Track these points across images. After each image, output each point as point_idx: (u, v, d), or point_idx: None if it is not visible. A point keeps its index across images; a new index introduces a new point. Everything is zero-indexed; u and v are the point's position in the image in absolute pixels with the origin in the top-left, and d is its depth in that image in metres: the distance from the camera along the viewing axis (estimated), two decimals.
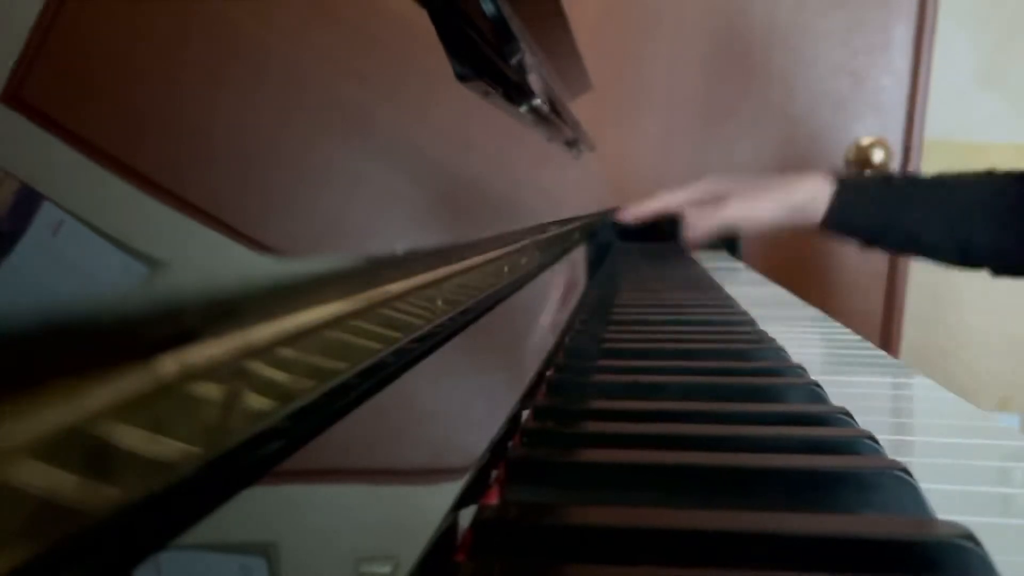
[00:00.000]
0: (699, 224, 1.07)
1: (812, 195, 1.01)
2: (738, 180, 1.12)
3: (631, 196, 1.64)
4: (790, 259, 1.62)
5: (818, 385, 0.43)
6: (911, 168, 1.63)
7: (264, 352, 0.14)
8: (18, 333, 0.09)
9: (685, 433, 0.34)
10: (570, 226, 0.71)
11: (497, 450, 0.30)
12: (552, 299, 0.58)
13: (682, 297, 0.81)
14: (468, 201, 0.35)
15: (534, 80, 0.62)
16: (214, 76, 0.16)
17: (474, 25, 0.50)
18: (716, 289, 0.88)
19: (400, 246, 0.23)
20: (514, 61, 0.55)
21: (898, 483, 0.28)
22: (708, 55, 1.68)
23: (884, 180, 1.03)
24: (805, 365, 0.47)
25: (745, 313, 0.69)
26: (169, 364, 0.11)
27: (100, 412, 0.10)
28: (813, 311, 0.82)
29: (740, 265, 1.25)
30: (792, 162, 1.66)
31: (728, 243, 1.46)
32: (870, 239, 1.00)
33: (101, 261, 0.11)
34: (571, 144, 0.93)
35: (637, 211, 1.21)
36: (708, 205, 1.09)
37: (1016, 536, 0.28)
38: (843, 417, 0.36)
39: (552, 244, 0.58)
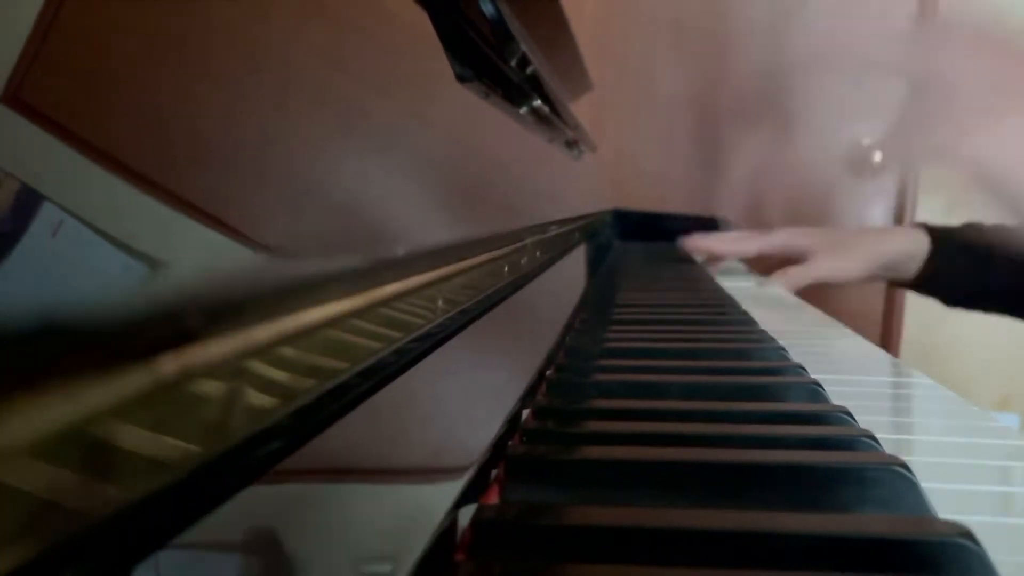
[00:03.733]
0: (784, 284, 0.95)
1: (907, 253, 0.91)
2: (819, 234, 1.00)
3: (632, 196, 1.64)
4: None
5: (818, 384, 0.43)
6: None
7: (264, 352, 0.14)
8: (18, 333, 0.09)
9: (685, 432, 0.34)
10: (570, 226, 0.71)
11: (497, 449, 0.30)
12: (552, 299, 0.58)
13: (682, 297, 0.81)
14: (468, 201, 0.35)
15: (534, 81, 0.62)
16: (214, 76, 0.16)
17: (474, 26, 0.50)
18: (716, 289, 0.88)
19: (400, 246, 0.23)
20: (514, 62, 0.55)
21: (898, 479, 0.28)
22: (708, 55, 1.68)
23: (974, 228, 0.91)
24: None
25: (745, 313, 0.69)
26: (169, 364, 0.11)
27: (100, 412, 0.10)
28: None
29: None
30: (792, 162, 1.66)
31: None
32: (963, 303, 0.91)
33: (101, 261, 0.11)
34: (571, 145, 0.93)
35: (700, 244, 1.10)
36: (789, 261, 0.98)
37: (1016, 536, 0.28)
38: (843, 416, 0.36)
39: (552, 244, 0.59)
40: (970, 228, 0.92)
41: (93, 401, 0.09)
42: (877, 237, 0.97)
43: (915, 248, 0.91)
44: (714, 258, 1.12)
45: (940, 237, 0.91)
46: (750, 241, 1.04)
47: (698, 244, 1.10)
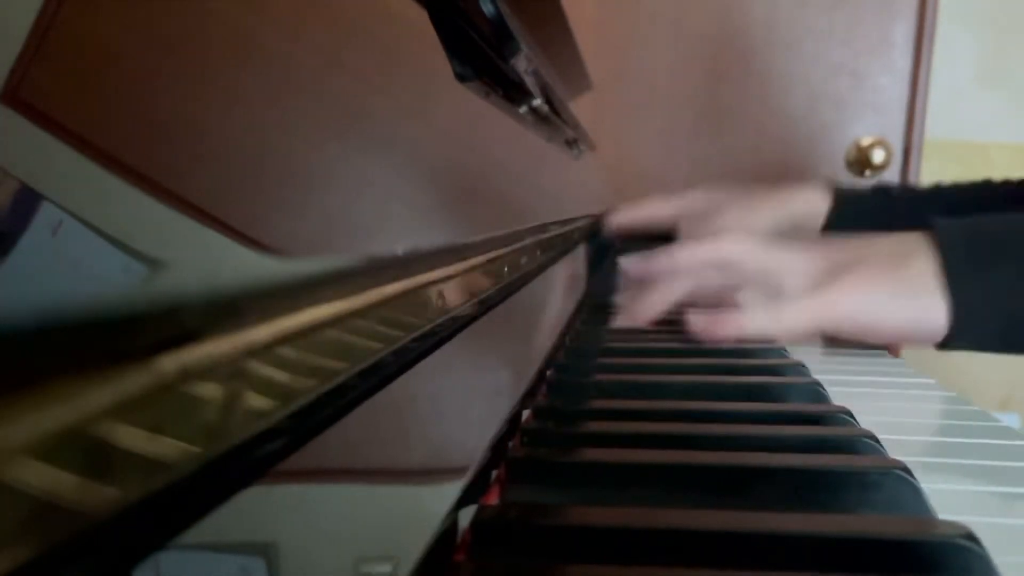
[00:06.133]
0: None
1: (806, 211, 0.82)
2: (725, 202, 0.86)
3: (632, 196, 1.64)
4: None
5: (819, 384, 0.43)
6: (911, 169, 1.62)
7: (264, 352, 0.14)
8: (18, 333, 0.09)
9: (685, 432, 0.34)
10: (571, 226, 0.71)
11: (497, 450, 0.30)
12: (552, 299, 0.58)
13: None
14: (468, 201, 0.35)
15: (533, 80, 0.62)
16: (214, 76, 0.16)
17: (474, 25, 0.50)
18: None
19: (400, 246, 0.23)
20: (514, 61, 0.55)
21: (899, 482, 0.28)
22: (708, 55, 1.68)
23: (882, 192, 0.86)
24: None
25: None
26: (169, 364, 0.11)
27: (100, 412, 0.10)
28: None
29: None
30: (792, 162, 1.66)
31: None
32: None
33: (101, 261, 0.11)
34: (571, 144, 0.93)
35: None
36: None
37: (1016, 536, 0.28)
38: (844, 416, 0.36)
39: (552, 244, 0.58)
40: (877, 190, 0.86)
41: (93, 401, 0.09)
42: (783, 194, 0.87)
43: (816, 209, 0.83)
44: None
45: (841, 199, 0.84)
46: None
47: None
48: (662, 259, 0.63)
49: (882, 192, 0.85)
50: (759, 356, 0.52)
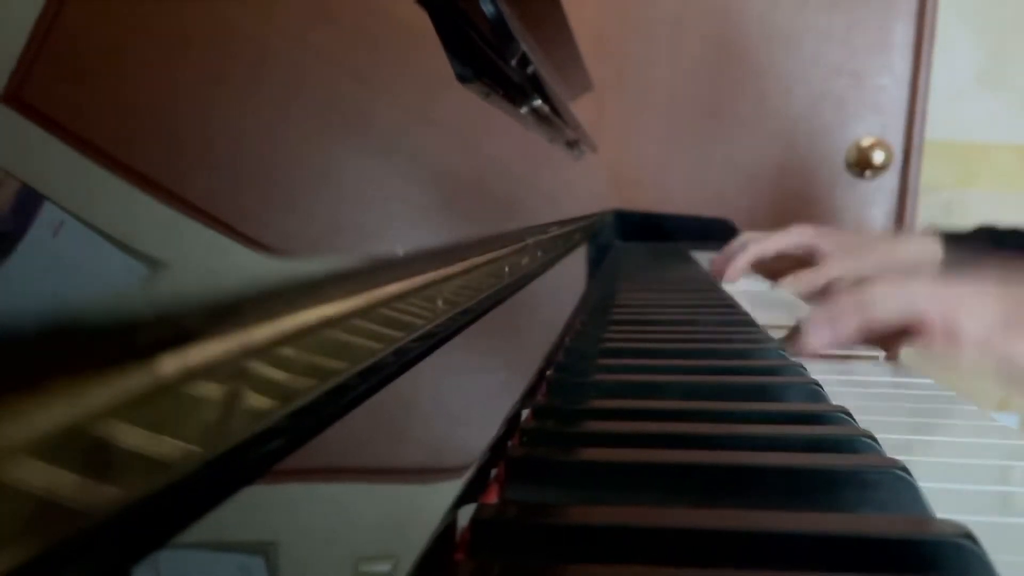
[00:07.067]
0: (798, 288, 0.91)
1: (919, 259, 0.86)
2: (833, 235, 0.93)
3: (632, 196, 1.64)
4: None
5: (818, 384, 0.43)
6: (911, 170, 1.62)
7: (264, 352, 0.14)
8: (18, 333, 0.09)
9: (685, 432, 0.34)
10: (571, 226, 0.71)
11: (497, 449, 0.30)
12: (553, 299, 0.58)
13: (682, 297, 0.81)
14: (468, 201, 0.35)
15: (534, 81, 0.62)
16: (214, 76, 0.16)
17: (474, 26, 0.50)
18: (716, 289, 0.88)
19: (400, 246, 0.23)
20: (514, 62, 0.55)
21: (897, 482, 0.28)
22: (708, 55, 1.68)
23: (987, 231, 0.88)
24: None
25: (745, 313, 0.69)
26: (169, 364, 0.11)
27: (100, 412, 0.10)
28: None
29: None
30: (792, 162, 1.67)
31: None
32: None
33: (101, 261, 0.11)
34: (572, 145, 0.93)
35: (730, 266, 0.99)
36: (801, 265, 0.89)
37: (1016, 536, 0.28)
38: (842, 416, 0.36)
39: (553, 244, 0.59)
40: (982, 231, 0.88)
41: (93, 401, 0.09)
42: (891, 242, 0.92)
43: (927, 255, 0.87)
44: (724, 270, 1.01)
45: (951, 243, 0.87)
46: (768, 241, 0.94)
47: (727, 266, 0.97)
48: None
49: (987, 231, 0.86)
50: (758, 356, 0.52)
